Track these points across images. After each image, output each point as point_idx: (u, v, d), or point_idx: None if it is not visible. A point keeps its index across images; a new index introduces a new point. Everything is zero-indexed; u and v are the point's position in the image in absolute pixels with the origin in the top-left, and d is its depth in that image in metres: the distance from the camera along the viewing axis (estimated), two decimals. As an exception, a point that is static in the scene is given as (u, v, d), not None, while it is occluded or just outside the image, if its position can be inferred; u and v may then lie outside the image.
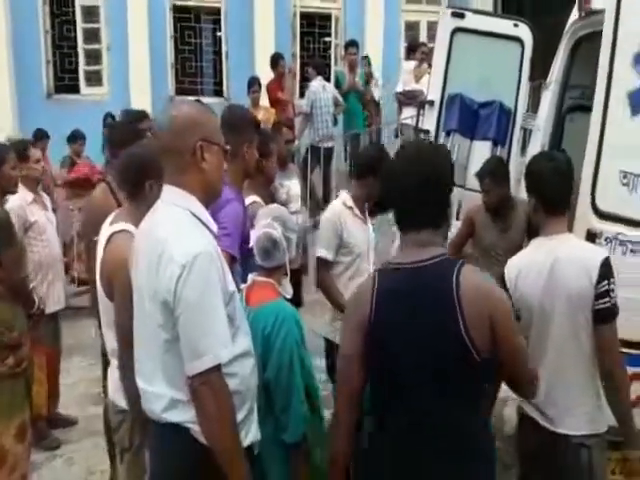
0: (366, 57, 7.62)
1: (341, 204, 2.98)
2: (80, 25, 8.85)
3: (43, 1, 8.61)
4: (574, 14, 3.14)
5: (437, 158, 1.57)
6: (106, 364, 2.23)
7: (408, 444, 1.49)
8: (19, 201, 3.37)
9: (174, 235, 1.51)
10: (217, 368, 1.49)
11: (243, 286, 1.99)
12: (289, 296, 2.01)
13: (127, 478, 2.05)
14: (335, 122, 6.98)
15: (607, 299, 1.83)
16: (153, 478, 1.69)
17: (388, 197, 1.60)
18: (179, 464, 1.57)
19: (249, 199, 2.59)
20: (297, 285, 3.75)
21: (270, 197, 3.13)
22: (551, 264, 1.87)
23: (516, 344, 1.53)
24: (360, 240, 2.95)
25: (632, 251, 2.21)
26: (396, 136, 7.28)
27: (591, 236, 2.17)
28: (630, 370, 2.19)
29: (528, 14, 7.12)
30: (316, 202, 6.62)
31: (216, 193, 1.67)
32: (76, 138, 6.64)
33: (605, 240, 2.19)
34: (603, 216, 2.20)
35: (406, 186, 1.52)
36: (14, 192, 3.11)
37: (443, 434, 1.47)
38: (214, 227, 1.62)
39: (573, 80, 3.40)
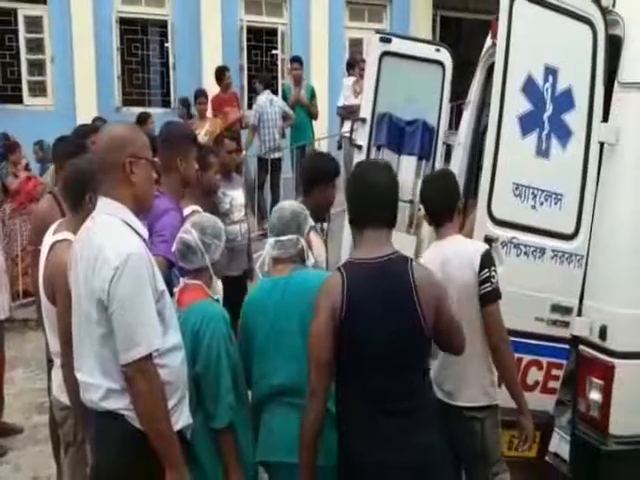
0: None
1: None
2: (23, 35, 8.77)
3: (-16, 10, 8.51)
4: (489, 40, 3.49)
5: (391, 172, 1.95)
6: (50, 367, 2.37)
7: (374, 407, 1.79)
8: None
9: (107, 240, 1.71)
10: (149, 357, 1.69)
11: (176, 289, 2.16)
12: (217, 297, 2.19)
13: (72, 468, 2.21)
14: (283, 135, 7.18)
15: (489, 284, 2.17)
16: (96, 465, 1.86)
17: (350, 201, 1.92)
18: (117, 448, 1.75)
19: (189, 208, 2.73)
20: (242, 290, 3.91)
21: (211, 206, 3.29)
22: (441, 261, 2.22)
23: (454, 317, 1.92)
24: (322, 256, 2.97)
25: (525, 253, 2.54)
26: (338, 148, 7.57)
27: (488, 241, 2.44)
28: (521, 357, 2.53)
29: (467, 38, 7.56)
30: (263, 212, 6.82)
31: (146, 202, 1.87)
32: (14, 148, 6.54)
33: (501, 244, 2.50)
34: (499, 223, 2.51)
35: (370, 191, 1.85)
36: None
37: (402, 396, 1.80)
38: (145, 234, 1.82)
39: (488, 100, 3.76)
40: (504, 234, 2.50)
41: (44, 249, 2.25)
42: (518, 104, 2.51)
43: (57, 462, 2.75)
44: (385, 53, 3.81)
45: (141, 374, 1.67)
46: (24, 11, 8.75)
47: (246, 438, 2.13)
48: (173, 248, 2.17)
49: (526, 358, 2.58)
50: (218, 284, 2.21)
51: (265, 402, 2.17)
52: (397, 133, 3.84)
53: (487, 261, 2.19)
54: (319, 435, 1.84)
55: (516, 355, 2.36)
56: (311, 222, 2.48)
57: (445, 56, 3.83)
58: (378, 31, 4.36)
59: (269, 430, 2.15)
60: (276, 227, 2.22)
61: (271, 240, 2.21)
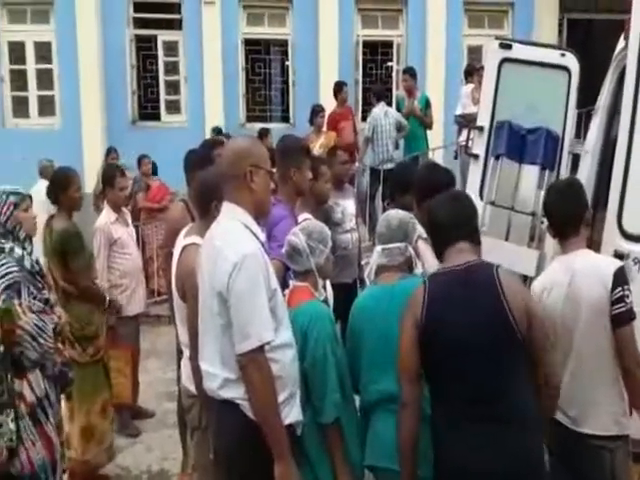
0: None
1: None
2: (162, 59, 9.70)
3: (130, 38, 9.53)
4: (621, 42, 3.26)
5: (467, 200, 2.09)
6: (180, 358, 2.60)
7: (464, 413, 1.79)
8: (104, 220, 3.88)
9: (228, 241, 1.88)
10: (261, 348, 1.81)
11: (286, 291, 2.27)
12: (323, 298, 2.28)
13: (197, 451, 2.41)
14: (397, 146, 7.20)
15: (622, 304, 2.01)
16: (215, 449, 2.02)
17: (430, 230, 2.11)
18: (233, 436, 1.89)
19: (302, 216, 2.87)
20: (353, 298, 3.95)
21: (323, 214, 3.42)
22: (570, 278, 2.07)
23: (545, 327, 1.85)
24: (434, 266, 2.96)
25: (661, 271, 2.33)
26: (455, 157, 7.42)
27: (618, 257, 2.28)
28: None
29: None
30: (374, 222, 6.87)
31: (264, 208, 2.03)
32: (142, 160, 7.19)
33: (633, 261, 2.31)
34: (631, 237, 2.32)
35: (439, 219, 2.01)
36: (78, 210, 3.51)
37: (495, 401, 1.77)
38: (262, 237, 1.98)
39: (620, 105, 3.50)
40: (637, 250, 2.32)
41: (176, 251, 2.48)
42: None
43: (184, 445, 3.00)
44: (505, 60, 3.70)
45: (253, 364, 1.80)
46: (163, 37, 9.68)
47: (353, 438, 2.18)
48: (283, 250, 2.29)
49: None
50: (327, 287, 2.29)
51: (373, 407, 2.20)
52: (518, 142, 3.70)
53: (621, 279, 2.03)
54: (415, 445, 1.87)
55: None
56: (421, 231, 2.48)
57: (571, 61, 3.63)
58: (498, 37, 4.25)
59: (377, 435, 2.18)
60: (384, 235, 2.26)
61: (379, 248, 2.26)
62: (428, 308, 1.81)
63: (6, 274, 2.20)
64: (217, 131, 7.37)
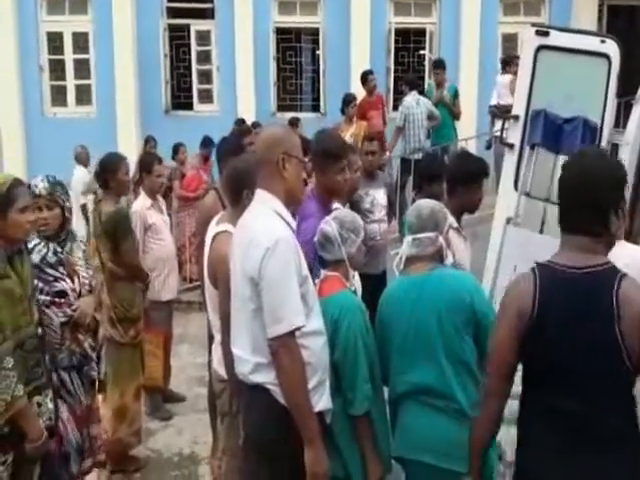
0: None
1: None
2: (194, 48, 9.78)
3: (164, 28, 9.63)
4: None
5: (603, 169, 1.62)
6: (211, 343, 2.65)
7: (554, 427, 1.60)
8: (140, 205, 3.96)
9: (260, 226, 1.90)
10: (292, 333, 1.83)
11: (317, 280, 2.27)
12: (354, 288, 2.28)
13: (227, 436, 2.46)
14: (428, 136, 7.14)
15: None
16: (245, 433, 2.06)
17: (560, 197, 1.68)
18: (263, 420, 1.92)
19: (334, 206, 2.89)
20: (381, 289, 3.94)
21: (352, 204, 3.40)
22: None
23: None
24: (465, 257, 2.92)
25: None
26: (487, 148, 7.30)
27: (657, 250, 2.21)
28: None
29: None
30: (404, 213, 6.82)
31: (296, 197, 2.03)
32: (178, 149, 7.29)
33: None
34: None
35: (567, 189, 1.62)
36: (126, 194, 3.61)
37: (591, 422, 1.56)
38: (293, 224, 1.99)
39: (663, 94, 3.38)
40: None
41: (208, 239, 2.52)
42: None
43: (214, 430, 3.06)
44: (542, 47, 3.60)
45: (284, 349, 1.82)
46: (196, 26, 9.76)
47: (383, 429, 2.19)
48: (315, 239, 2.28)
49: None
50: (356, 278, 2.29)
51: (402, 399, 2.20)
52: (554, 131, 3.61)
53: None
54: (491, 439, 1.75)
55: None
56: (452, 221, 2.43)
57: (612, 48, 3.50)
58: (534, 24, 4.14)
59: (406, 427, 2.18)
60: (414, 225, 2.22)
61: (409, 238, 2.22)
62: (540, 305, 1.59)
63: None
64: (240, 122, 7.38)
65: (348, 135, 6.69)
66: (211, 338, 2.64)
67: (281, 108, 9.74)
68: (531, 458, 1.66)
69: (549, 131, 3.67)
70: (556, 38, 3.56)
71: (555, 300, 1.60)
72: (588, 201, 1.59)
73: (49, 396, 2.21)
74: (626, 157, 3.42)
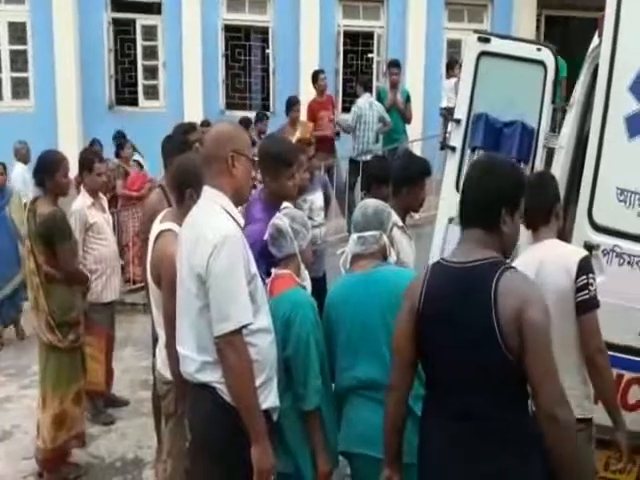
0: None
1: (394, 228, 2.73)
2: (140, 43, 9.53)
3: (108, 21, 9.33)
4: (595, 39, 3.33)
5: (502, 169, 1.71)
6: (155, 345, 2.59)
7: (444, 420, 1.66)
8: (80, 204, 3.83)
9: (207, 222, 1.88)
10: (239, 331, 1.82)
11: (268, 280, 2.27)
12: (305, 284, 2.29)
13: (172, 438, 2.41)
14: (377, 139, 7.20)
15: (586, 292, 2.05)
16: (192, 434, 2.02)
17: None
18: (208, 419, 1.89)
19: (283, 205, 2.88)
20: (323, 292, 3.97)
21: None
22: (538, 267, 2.12)
23: (540, 352, 1.55)
24: (409, 255, 2.94)
25: (629, 263, 2.40)
26: (441, 149, 7.47)
27: (588, 248, 2.34)
28: (622, 373, 2.38)
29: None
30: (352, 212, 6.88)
31: (243, 195, 2.04)
32: (122, 146, 7.08)
33: (602, 252, 2.38)
34: (600, 229, 2.39)
35: (466, 187, 1.72)
36: (65, 195, 3.41)
37: (475, 415, 1.60)
38: (241, 222, 1.97)
39: (594, 101, 3.57)
40: (606, 241, 2.39)
41: (151, 237, 2.47)
42: (625, 104, 2.39)
43: (158, 433, 2.99)
44: (483, 53, 3.74)
45: (231, 347, 1.81)
46: (141, 21, 9.51)
47: (331, 424, 2.21)
48: (265, 236, 2.29)
49: (628, 375, 2.45)
50: (305, 273, 2.31)
51: (347, 394, 2.23)
52: (494, 135, 3.74)
53: (585, 267, 2.07)
54: (399, 431, 1.82)
55: (617, 371, 2.25)
56: (397, 220, 2.48)
57: (547, 56, 3.68)
58: (477, 31, 4.29)
59: (351, 421, 2.21)
60: (359, 223, 2.27)
61: (354, 236, 2.27)
62: (425, 297, 1.66)
63: None
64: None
65: (294, 140, 6.67)
66: (155, 340, 2.58)
67: (230, 106, 9.63)
68: (425, 454, 1.74)
69: (489, 134, 3.80)
70: (497, 45, 3.70)
71: (438, 295, 1.67)
72: (480, 193, 1.67)
73: None
74: (560, 160, 3.60)
